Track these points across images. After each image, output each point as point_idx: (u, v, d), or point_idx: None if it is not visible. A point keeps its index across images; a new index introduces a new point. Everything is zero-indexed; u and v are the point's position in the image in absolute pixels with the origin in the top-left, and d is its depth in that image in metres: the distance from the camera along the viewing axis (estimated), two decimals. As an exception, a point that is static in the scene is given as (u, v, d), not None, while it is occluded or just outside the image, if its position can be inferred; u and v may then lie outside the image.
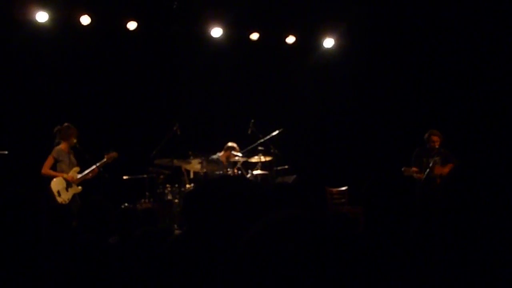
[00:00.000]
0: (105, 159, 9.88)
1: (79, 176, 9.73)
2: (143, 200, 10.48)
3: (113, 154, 9.98)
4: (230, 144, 11.33)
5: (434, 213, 2.02)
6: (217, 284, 1.42)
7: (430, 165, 9.85)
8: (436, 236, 1.96)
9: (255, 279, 1.29)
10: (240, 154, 11.27)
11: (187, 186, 10.80)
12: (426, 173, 9.80)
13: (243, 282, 1.32)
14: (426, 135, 10.19)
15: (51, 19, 11.29)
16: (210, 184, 2.48)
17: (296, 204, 3.44)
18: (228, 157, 11.30)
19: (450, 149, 10.15)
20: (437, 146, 10.05)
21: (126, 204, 9.96)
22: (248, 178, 10.54)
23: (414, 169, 10.08)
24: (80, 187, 9.72)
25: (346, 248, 1.33)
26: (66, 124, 9.72)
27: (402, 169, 10.11)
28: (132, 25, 11.94)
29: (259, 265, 1.30)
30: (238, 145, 11.39)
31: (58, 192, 9.45)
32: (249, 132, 11.52)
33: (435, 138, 10.09)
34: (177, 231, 8.66)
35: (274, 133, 11.43)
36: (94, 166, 9.72)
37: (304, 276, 1.27)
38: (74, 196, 9.59)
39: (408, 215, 3.13)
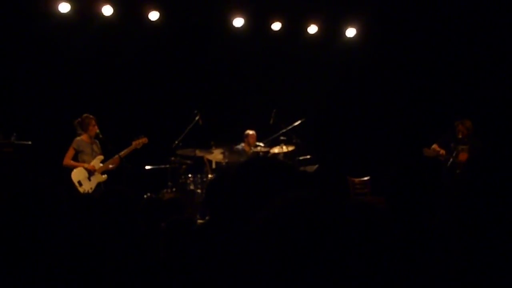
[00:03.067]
0: (132, 146, 9.90)
1: (101, 165, 9.77)
2: (165, 190, 10.52)
3: (143, 140, 9.98)
4: (246, 131, 11.40)
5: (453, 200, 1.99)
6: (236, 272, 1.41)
7: (454, 154, 9.78)
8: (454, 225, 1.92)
9: (268, 262, 1.28)
10: (262, 144, 11.30)
11: (209, 176, 10.82)
12: (450, 161, 9.74)
13: (257, 266, 1.30)
14: (457, 122, 10.10)
15: (74, 10, 11.34)
16: (231, 172, 2.46)
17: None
18: (249, 145, 11.33)
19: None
20: (460, 136, 9.97)
21: (148, 194, 10.00)
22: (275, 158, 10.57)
23: (436, 147, 10.04)
24: (105, 176, 9.75)
25: (364, 232, 1.31)
26: (84, 115, 9.78)
27: (423, 149, 10.09)
28: (154, 16, 11.94)
29: (272, 247, 1.29)
30: (260, 135, 11.39)
31: (79, 182, 9.49)
32: (271, 122, 11.52)
33: (461, 127, 9.99)
34: (199, 221, 8.69)
35: (297, 123, 11.42)
36: (116, 156, 9.75)
37: (316, 260, 1.25)
38: (98, 184, 9.64)
39: (433, 202, 3.09)
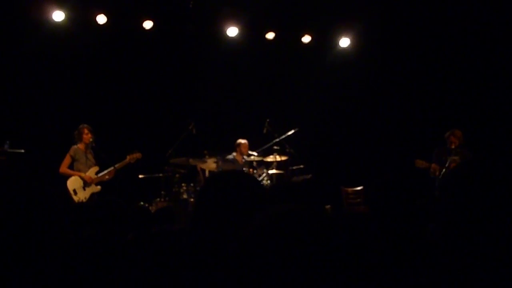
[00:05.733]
0: (127, 160, 9.93)
1: (96, 176, 9.79)
2: (158, 199, 10.51)
3: (137, 155, 10.03)
4: (238, 141, 11.39)
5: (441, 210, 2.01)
6: (222, 281, 1.42)
7: (446, 165, 9.79)
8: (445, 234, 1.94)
9: (255, 274, 1.29)
10: (255, 153, 11.30)
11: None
12: (442, 172, 9.74)
13: (244, 277, 1.31)
14: (447, 134, 10.12)
15: (68, 18, 11.33)
16: (217, 182, 2.49)
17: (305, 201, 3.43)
18: (241, 154, 11.32)
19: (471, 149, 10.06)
20: (453, 147, 9.99)
21: (141, 203, 10.00)
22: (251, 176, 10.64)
23: (432, 165, 10.02)
24: (98, 187, 9.77)
25: (348, 244, 1.32)
26: (80, 125, 9.83)
27: (415, 161, 10.09)
28: (148, 25, 11.96)
29: (258, 260, 1.30)
30: (253, 144, 11.39)
31: (74, 190, 9.51)
32: (265, 131, 11.53)
33: (453, 138, 10.03)
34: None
35: (290, 133, 11.43)
36: (111, 168, 9.78)
37: (303, 271, 1.26)
38: (92, 195, 9.65)
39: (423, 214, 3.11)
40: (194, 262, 2.36)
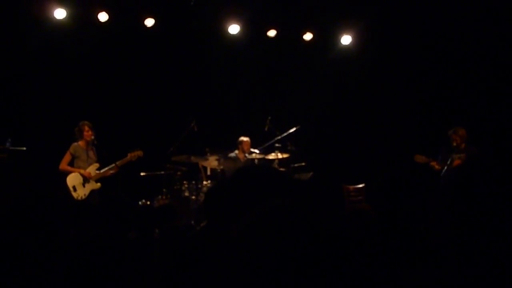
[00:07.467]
0: (128, 157, 9.93)
1: (98, 172, 9.79)
2: (160, 197, 10.50)
3: (138, 153, 10.02)
4: (240, 138, 11.38)
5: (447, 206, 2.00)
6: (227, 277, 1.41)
7: (448, 162, 9.76)
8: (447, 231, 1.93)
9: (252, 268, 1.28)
10: (257, 151, 11.28)
11: (204, 182, 10.80)
12: (445, 169, 9.72)
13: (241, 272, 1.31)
14: (450, 131, 10.10)
15: (69, 16, 11.32)
16: (230, 180, 2.47)
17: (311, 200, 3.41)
18: (243, 151, 11.31)
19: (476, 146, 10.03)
20: (455, 145, 9.96)
21: (143, 201, 10.00)
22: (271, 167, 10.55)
23: (432, 162, 10.00)
24: (98, 184, 9.77)
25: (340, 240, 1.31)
26: (81, 122, 9.82)
27: (415, 156, 10.08)
28: (149, 22, 11.94)
29: (253, 254, 1.29)
30: (255, 142, 11.38)
31: (74, 187, 9.51)
32: (266, 129, 11.51)
33: (455, 136, 10.00)
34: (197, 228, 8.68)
35: (291, 130, 11.41)
36: (113, 164, 9.77)
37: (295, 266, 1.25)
38: (92, 192, 9.64)
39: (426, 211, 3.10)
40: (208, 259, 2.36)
